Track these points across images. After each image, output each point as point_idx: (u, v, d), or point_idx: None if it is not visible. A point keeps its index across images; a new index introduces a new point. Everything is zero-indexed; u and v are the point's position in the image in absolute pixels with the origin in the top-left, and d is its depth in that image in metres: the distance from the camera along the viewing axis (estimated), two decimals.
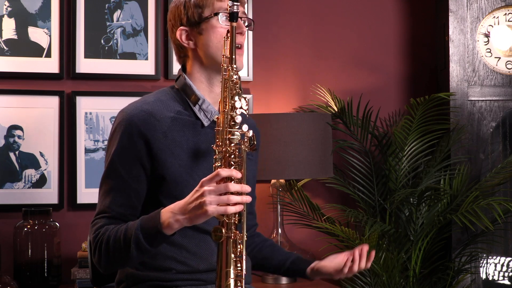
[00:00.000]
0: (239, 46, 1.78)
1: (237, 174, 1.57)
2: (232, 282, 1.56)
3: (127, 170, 1.73)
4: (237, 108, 1.61)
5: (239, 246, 1.58)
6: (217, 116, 1.72)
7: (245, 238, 1.59)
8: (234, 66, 1.62)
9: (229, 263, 1.56)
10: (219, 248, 1.57)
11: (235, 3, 1.59)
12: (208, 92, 1.82)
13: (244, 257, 1.58)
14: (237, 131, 1.60)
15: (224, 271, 1.56)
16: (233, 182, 1.56)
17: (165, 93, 1.84)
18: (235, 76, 1.63)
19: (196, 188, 1.56)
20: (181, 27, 1.82)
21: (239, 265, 1.58)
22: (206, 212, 1.53)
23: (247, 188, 1.57)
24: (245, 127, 1.61)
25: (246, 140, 1.61)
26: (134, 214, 1.74)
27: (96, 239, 1.70)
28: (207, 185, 1.54)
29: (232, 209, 1.54)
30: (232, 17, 1.59)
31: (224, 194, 1.54)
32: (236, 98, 1.62)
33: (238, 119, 1.61)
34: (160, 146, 1.73)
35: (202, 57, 1.81)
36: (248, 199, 1.57)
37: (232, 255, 1.57)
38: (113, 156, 1.73)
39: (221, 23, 1.77)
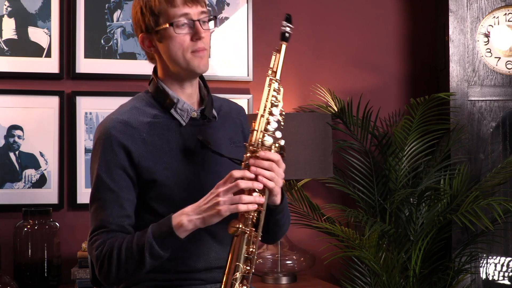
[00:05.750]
0: (198, 49, 1.73)
1: (250, 174, 1.61)
2: (238, 276, 1.59)
3: (115, 182, 1.73)
4: (274, 115, 1.68)
5: (252, 246, 1.61)
6: (195, 112, 1.78)
7: (259, 238, 1.63)
8: (278, 78, 1.74)
9: (240, 258, 1.59)
10: (232, 242, 1.61)
11: (288, 25, 1.73)
12: (181, 92, 1.81)
13: (255, 257, 1.62)
14: (271, 135, 1.66)
15: (233, 265, 1.60)
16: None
17: (140, 99, 1.84)
18: (277, 86, 1.72)
19: (212, 190, 1.61)
20: (142, 33, 1.79)
21: (248, 263, 1.61)
22: (219, 212, 1.58)
23: (258, 185, 1.61)
24: (278, 134, 1.67)
25: (277, 146, 1.66)
26: (130, 224, 1.74)
27: (102, 254, 1.69)
28: (222, 187, 1.60)
29: (243, 207, 1.58)
30: (284, 37, 1.74)
31: (236, 193, 1.58)
32: (274, 108, 1.69)
33: (274, 125, 1.67)
34: (141, 153, 1.73)
35: (167, 63, 1.78)
36: (260, 199, 1.61)
37: (244, 252, 1.60)
38: (99, 171, 1.74)
39: (177, 33, 1.72)
